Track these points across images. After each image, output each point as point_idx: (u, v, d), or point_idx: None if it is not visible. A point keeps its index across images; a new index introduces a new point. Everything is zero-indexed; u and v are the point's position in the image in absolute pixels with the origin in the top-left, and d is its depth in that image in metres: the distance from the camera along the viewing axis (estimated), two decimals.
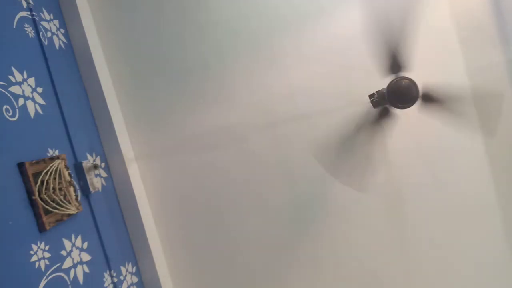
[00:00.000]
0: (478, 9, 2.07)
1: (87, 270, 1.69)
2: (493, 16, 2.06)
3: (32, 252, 1.40)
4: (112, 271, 1.90)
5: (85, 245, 1.73)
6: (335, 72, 2.14)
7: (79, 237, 1.70)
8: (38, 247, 1.43)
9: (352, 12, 2.10)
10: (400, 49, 1.73)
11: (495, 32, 2.07)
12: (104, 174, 2.07)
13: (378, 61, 1.79)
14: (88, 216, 1.83)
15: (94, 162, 1.96)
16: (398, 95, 1.76)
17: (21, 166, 1.44)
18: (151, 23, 2.22)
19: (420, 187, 2.16)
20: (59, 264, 1.52)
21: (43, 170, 1.52)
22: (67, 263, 1.57)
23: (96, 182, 1.89)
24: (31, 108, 1.59)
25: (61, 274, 1.52)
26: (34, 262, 1.40)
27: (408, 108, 1.79)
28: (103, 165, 2.09)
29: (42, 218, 1.46)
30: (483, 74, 2.08)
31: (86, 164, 1.84)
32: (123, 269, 2.01)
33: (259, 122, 2.21)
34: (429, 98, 1.78)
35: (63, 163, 1.67)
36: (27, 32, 1.71)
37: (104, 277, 1.83)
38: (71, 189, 1.68)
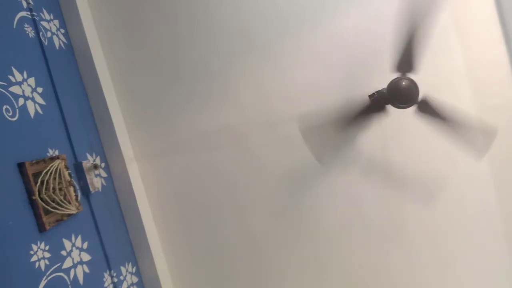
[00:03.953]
0: (479, 8, 2.07)
1: (87, 270, 1.69)
2: (494, 16, 2.06)
3: (32, 252, 1.40)
4: (112, 271, 1.90)
5: (85, 245, 1.73)
6: (335, 71, 2.14)
7: (79, 237, 1.70)
8: (38, 247, 1.43)
9: (352, 11, 2.10)
10: (416, 49, 1.70)
11: (496, 32, 2.07)
12: (104, 174, 2.07)
13: (379, 60, 1.77)
14: (88, 216, 1.83)
15: (94, 162, 1.96)
16: (398, 95, 1.76)
17: (21, 166, 1.44)
18: (151, 23, 2.22)
19: (420, 187, 2.16)
20: (59, 264, 1.52)
21: (43, 170, 1.52)
22: (67, 263, 1.57)
23: (96, 182, 1.89)
24: (31, 108, 1.59)
25: (61, 274, 1.52)
26: (34, 262, 1.40)
27: (408, 108, 1.79)
28: (103, 165, 2.09)
29: (42, 218, 1.46)
30: (484, 74, 2.08)
31: (86, 164, 1.84)
32: (123, 269, 2.01)
33: (259, 122, 2.21)
34: (426, 108, 1.78)
35: (63, 163, 1.67)
36: (27, 32, 1.71)
37: (104, 277, 1.83)
38: (71, 189, 1.68)
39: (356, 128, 1.84)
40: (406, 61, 1.73)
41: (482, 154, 1.83)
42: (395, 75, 1.78)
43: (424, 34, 1.66)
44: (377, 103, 1.83)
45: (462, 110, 1.76)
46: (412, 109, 1.79)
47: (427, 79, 1.80)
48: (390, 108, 1.83)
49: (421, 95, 1.76)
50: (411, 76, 1.75)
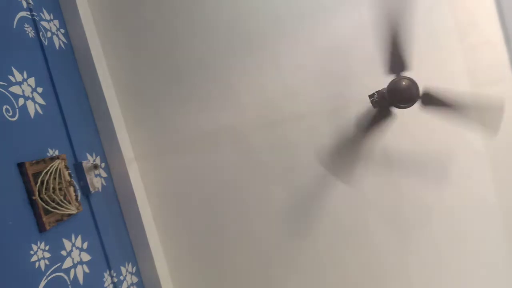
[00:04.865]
0: (479, 8, 2.07)
1: (87, 270, 1.69)
2: (494, 16, 2.06)
3: (32, 252, 1.40)
4: (112, 271, 1.90)
5: (85, 245, 1.73)
6: (334, 72, 2.14)
7: (79, 237, 1.70)
8: (38, 247, 1.43)
9: (352, 12, 2.10)
10: (403, 48, 1.71)
11: (496, 31, 2.07)
12: (104, 174, 2.07)
13: (380, 60, 1.77)
14: (88, 216, 1.83)
15: (94, 162, 1.96)
16: (398, 95, 1.76)
17: (21, 166, 1.44)
18: (151, 23, 2.22)
19: (420, 187, 2.16)
20: (59, 264, 1.52)
21: (43, 170, 1.52)
22: (67, 263, 1.57)
23: (96, 182, 1.89)
24: (31, 108, 1.59)
25: (61, 274, 1.52)
26: (34, 262, 1.40)
27: (408, 108, 1.79)
28: (103, 165, 2.09)
29: (42, 218, 1.46)
30: (484, 74, 2.08)
31: (86, 164, 1.84)
32: (123, 269, 2.01)
33: (259, 122, 2.21)
34: (429, 100, 1.77)
35: (63, 163, 1.67)
36: (27, 32, 1.71)
37: (104, 277, 1.83)
38: (71, 189, 1.68)
39: (369, 139, 1.86)
40: (396, 62, 1.74)
41: (495, 130, 1.81)
42: (392, 77, 1.78)
43: (406, 32, 1.67)
44: (382, 109, 1.84)
45: (463, 93, 1.75)
46: (412, 108, 1.78)
47: (427, 81, 1.79)
48: (395, 110, 1.84)
49: (422, 89, 1.75)
50: (408, 74, 1.75)
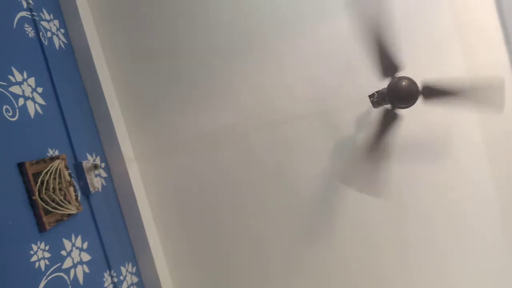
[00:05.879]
0: (479, 8, 2.07)
1: (87, 270, 1.69)
2: (494, 16, 2.06)
3: (32, 252, 1.40)
4: (112, 271, 1.90)
5: (85, 245, 1.73)
6: (335, 72, 2.14)
7: (79, 237, 1.70)
8: (38, 247, 1.43)
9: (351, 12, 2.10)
10: (391, 51, 1.71)
11: (496, 31, 2.07)
12: (104, 174, 2.07)
13: (372, 64, 1.77)
14: (88, 216, 1.83)
15: (94, 162, 1.96)
16: (398, 95, 1.76)
17: (21, 166, 1.44)
18: (151, 23, 2.22)
19: (421, 186, 2.16)
20: (59, 264, 1.52)
21: (43, 170, 1.52)
22: (67, 263, 1.57)
23: (96, 182, 1.89)
24: (31, 108, 1.59)
25: (61, 274, 1.52)
26: (34, 262, 1.40)
27: (408, 108, 1.79)
28: (103, 165, 2.09)
29: (42, 218, 1.46)
30: (484, 74, 2.08)
31: (86, 164, 1.84)
32: (123, 269, 2.01)
33: (259, 122, 2.21)
34: (430, 93, 1.76)
35: (63, 163, 1.67)
36: (27, 32, 1.71)
37: (104, 277, 1.83)
38: (71, 189, 1.68)
39: (383, 144, 1.85)
40: (387, 65, 1.74)
41: (500, 108, 1.80)
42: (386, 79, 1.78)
43: (393, 34, 1.66)
44: (388, 113, 1.83)
45: (461, 78, 1.74)
46: (412, 108, 1.78)
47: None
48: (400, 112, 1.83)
49: (420, 84, 1.74)
50: (403, 74, 1.75)
